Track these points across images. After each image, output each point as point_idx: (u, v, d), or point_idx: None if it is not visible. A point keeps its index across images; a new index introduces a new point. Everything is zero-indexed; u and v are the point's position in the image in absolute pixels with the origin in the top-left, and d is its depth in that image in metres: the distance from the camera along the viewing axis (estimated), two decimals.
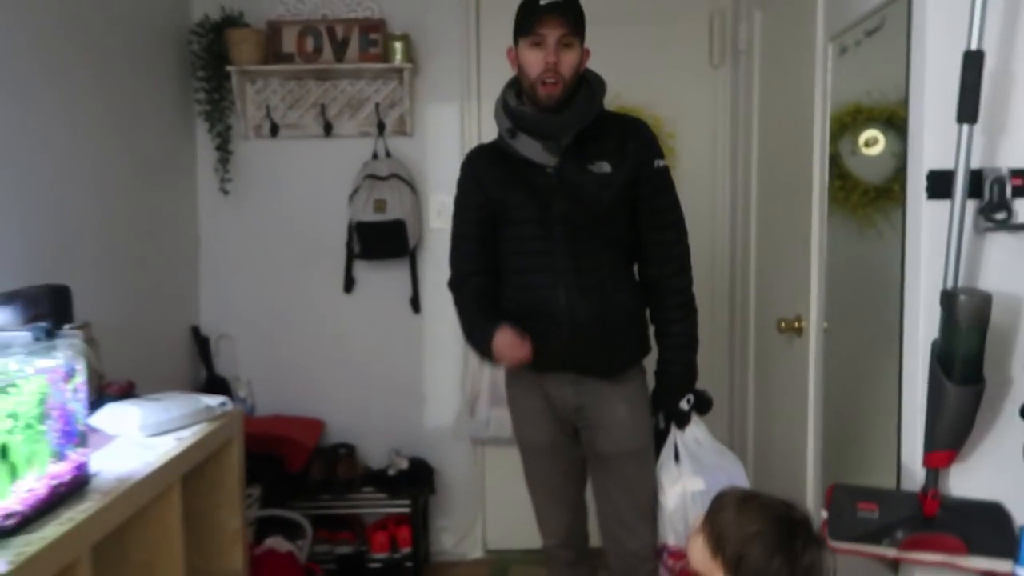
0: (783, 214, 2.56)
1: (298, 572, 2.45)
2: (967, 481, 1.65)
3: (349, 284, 3.03)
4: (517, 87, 1.93)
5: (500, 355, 1.87)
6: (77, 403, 1.34)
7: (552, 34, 1.81)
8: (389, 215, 2.86)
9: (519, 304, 1.92)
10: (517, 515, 3.09)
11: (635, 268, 2.01)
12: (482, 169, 1.99)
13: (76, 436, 1.34)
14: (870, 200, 1.99)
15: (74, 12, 2.21)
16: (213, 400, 1.85)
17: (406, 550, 2.79)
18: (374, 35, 2.92)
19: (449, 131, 3.03)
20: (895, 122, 1.82)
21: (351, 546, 2.81)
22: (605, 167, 1.88)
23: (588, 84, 1.92)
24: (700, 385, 2.01)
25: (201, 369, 2.97)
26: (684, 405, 1.92)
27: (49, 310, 1.61)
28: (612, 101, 2.94)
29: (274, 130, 2.98)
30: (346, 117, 3.00)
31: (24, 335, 1.29)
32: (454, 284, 2.07)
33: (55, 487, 1.28)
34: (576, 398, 1.93)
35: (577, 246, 1.87)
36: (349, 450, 2.90)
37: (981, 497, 1.62)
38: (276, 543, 2.42)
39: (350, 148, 2.98)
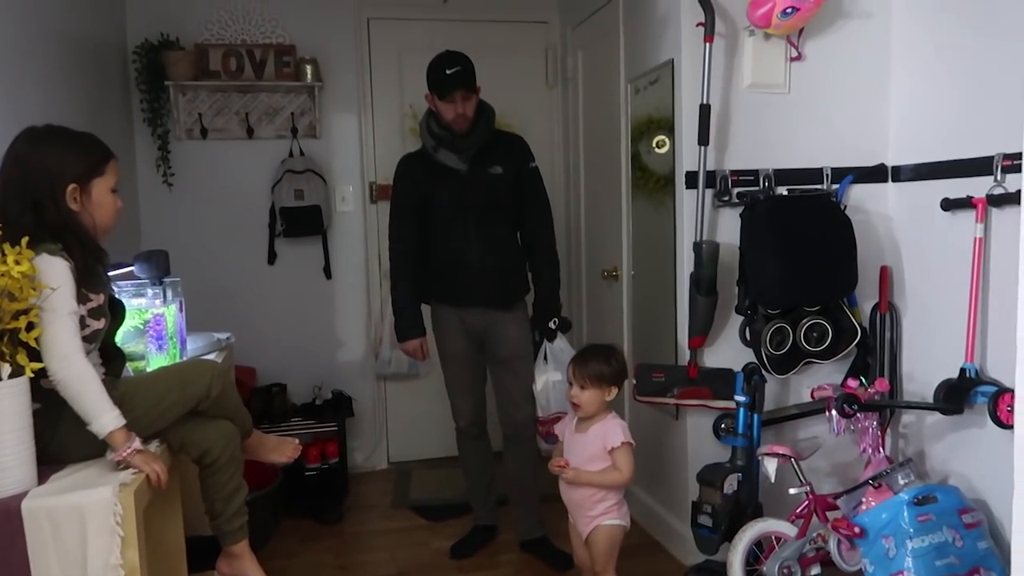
0: (602, 195, 3.51)
1: (264, 468, 3.16)
2: (712, 356, 2.72)
3: (272, 257, 3.74)
4: (435, 117, 2.76)
5: (406, 351, 2.91)
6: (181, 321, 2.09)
7: (457, 94, 2.66)
8: (307, 201, 3.62)
9: (446, 262, 2.78)
10: (413, 433, 4.00)
11: (518, 235, 2.90)
12: (413, 171, 2.83)
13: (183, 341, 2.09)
14: (661, 186, 2.88)
15: (27, 35, 2.44)
16: (222, 335, 2.60)
17: (334, 461, 3.56)
18: (287, 57, 3.62)
19: (349, 134, 3.81)
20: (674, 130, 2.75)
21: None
22: (498, 169, 2.77)
23: (484, 114, 2.78)
24: (562, 313, 2.95)
25: None
26: (552, 325, 2.83)
27: (158, 267, 2.29)
28: None
29: (204, 133, 3.62)
30: (265, 123, 3.70)
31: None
32: (393, 252, 2.87)
33: None
34: (483, 321, 2.82)
35: (481, 221, 2.76)
36: (281, 388, 3.63)
37: (720, 365, 2.67)
38: None
39: (269, 148, 3.69)
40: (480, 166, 2.77)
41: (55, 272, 1.54)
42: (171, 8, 3.54)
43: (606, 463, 2.29)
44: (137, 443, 1.54)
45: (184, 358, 2.22)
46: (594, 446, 2.30)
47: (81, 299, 1.61)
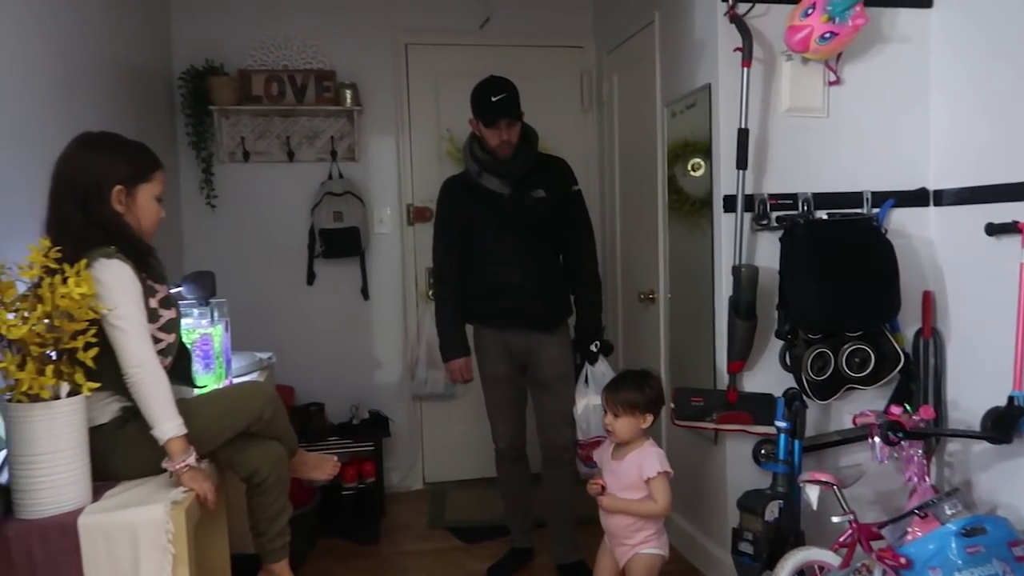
0: (638, 218, 3.53)
1: (302, 488, 3.22)
2: (751, 381, 2.70)
3: (311, 278, 3.80)
4: (478, 142, 2.79)
5: (451, 371, 2.89)
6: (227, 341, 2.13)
7: (502, 122, 2.68)
8: (346, 223, 3.68)
9: (489, 284, 2.79)
10: (449, 454, 4.01)
11: (560, 257, 2.90)
12: (456, 194, 2.86)
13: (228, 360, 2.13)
14: (696, 209, 2.88)
15: (83, 63, 2.53)
16: (264, 355, 2.64)
17: (370, 480, 3.58)
18: (327, 82, 3.70)
19: (387, 157, 3.88)
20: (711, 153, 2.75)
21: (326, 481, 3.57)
22: (540, 192, 2.78)
23: (528, 138, 2.80)
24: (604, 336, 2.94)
25: None
26: (593, 348, 2.84)
27: (204, 287, 2.35)
28: None
29: (246, 156, 3.70)
30: (305, 146, 3.77)
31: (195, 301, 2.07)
32: (437, 274, 2.91)
33: None
34: (525, 343, 2.82)
35: (524, 244, 2.77)
36: (319, 407, 3.66)
37: (760, 390, 2.64)
38: None
39: (309, 171, 3.76)
40: (523, 189, 2.78)
41: (117, 278, 1.58)
42: (216, 35, 3.64)
43: (643, 492, 2.28)
44: (192, 458, 1.57)
45: (229, 378, 2.26)
46: (630, 475, 2.29)
47: (149, 292, 1.65)
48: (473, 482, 3.92)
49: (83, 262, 1.54)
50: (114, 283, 1.58)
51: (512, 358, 2.87)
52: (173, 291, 2.13)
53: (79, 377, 1.48)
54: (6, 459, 1.45)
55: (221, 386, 2.15)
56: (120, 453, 1.60)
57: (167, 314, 1.72)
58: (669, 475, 2.28)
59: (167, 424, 1.56)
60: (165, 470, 1.58)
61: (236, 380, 2.40)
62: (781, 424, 2.49)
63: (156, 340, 1.66)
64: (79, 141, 1.76)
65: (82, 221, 1.64)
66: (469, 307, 2.89)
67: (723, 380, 2.69)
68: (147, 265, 1.71)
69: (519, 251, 2.78)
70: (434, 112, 3.91)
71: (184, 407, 1.66)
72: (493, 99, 2.68)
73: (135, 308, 1.60)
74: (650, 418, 2.31)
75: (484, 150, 2.77)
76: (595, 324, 2.90)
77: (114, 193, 1.68)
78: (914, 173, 2.77)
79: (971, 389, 2.60)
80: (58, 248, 1.55)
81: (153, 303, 1.67)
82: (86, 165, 1.68)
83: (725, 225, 2.67)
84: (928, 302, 2.71)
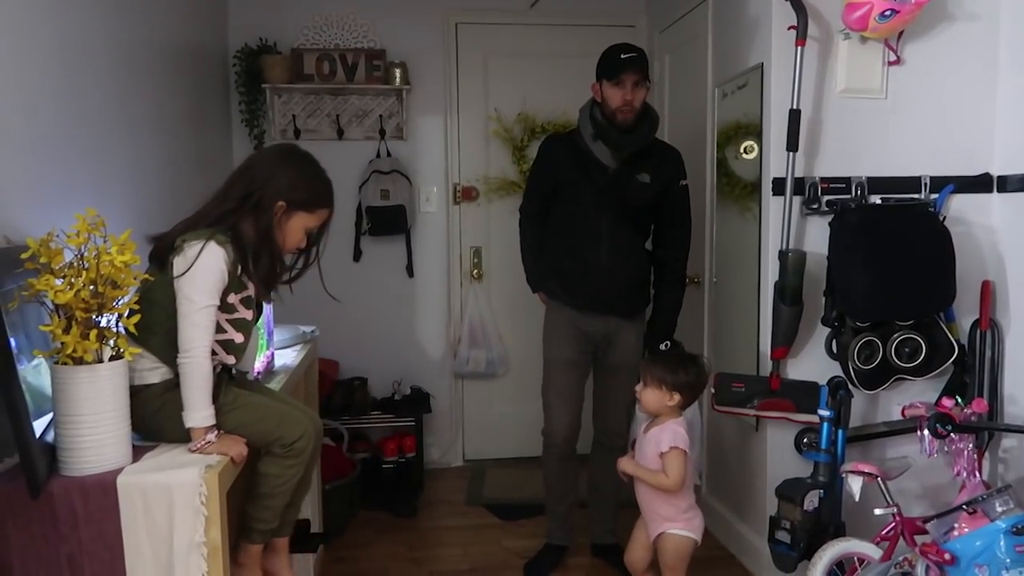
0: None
1: (344, 460, 3.30)
2: (796, 368, 2.64)
3: (357, 255, 3.85)
4: (599, 107, 2.64)
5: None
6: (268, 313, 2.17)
7: (629, 79, 2.56)
8: (393, 201, 3.70)
9: (573, 262, 2.68)
10: (489, 433, 4.03)
11: (647, 246, 2.81)
12: (557, 153, 2.73)
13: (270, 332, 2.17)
14: (747, 193, 2.82)
15: (140, 43, 2.56)
16: (307, 328, 2.68)
17: (411, 455, 3.63)
18: (377, 62, 3.72)
19: (435, 136, 3.89)
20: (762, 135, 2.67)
21: (367, 453, 3.65)
22: (646, 178, 2.65)
23: (649, 117, 2.66)
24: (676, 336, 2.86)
25: None
26: (663, 347, 2.77)
27: None
28: (560, 118, 3.90)
29: (297, 134, 3.75)
30: (354, 124, 3.81)
31: None
32: (525, 221, 2.90)
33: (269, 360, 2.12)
34: (603, 329, 2.72)
35: (616, 226, 2.65)
36: (362, 382, 3.72)
37: (804, 378, 2.58)
38: (326, 441, 3.25)
39: (358, 149, 3.79)
40: (630, 168, 2.66)
41: (209, 261, 1.62)
42: (270, 14, 3.69)
43: (660, 466, 2.27)
44: (213, 435, 1.60)
45: (271, 349, 2.29)
46: (651, 448, 2.29)
47: (237, 288, 1.69)
48: (512, 461, 3.95)
49: (128, 232, 1.58)
50: (204, 263, 1.62)
51: (584, 342, 2.76)
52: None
53: (121, 342, 1.53)
54: (52, 419, 1.51)
55: (283, 385, 2.14)
56: (165, 413, 1.64)
57: (244, 313, 1.73)
58: (683, 452, 2.24)
59: (196, 413, 1.59)
60: None
61: (278, 352, 2.45)
62: (824, 413, 2.43)
63: (221, 330, 1.68)
64: (283, 149, 1.88)
65: (236, 207, 1.71)
66: (545, 281, 2.82)
67: (766, 366, 2.63)
68: (268, 278, 1.75)
69: (611, 231, 2.67)
70: (482, 92, 3.90)
71: (237, 399, 1.69)
72: (623, 56, 2.59)
73: (204, 294, 1.63)
74: (677, 397, 2.27)
75: (603, 114, 2.63)
76: (670, 324, 2.83)
77: (276, 205, 1.73)
78: (977, 158, 2.65)
79: None
80: (195, 220, 1.68)
81: (234, 299, 1.70)
82: (274, 170, 1.76)
83: (774, 209, 2.61)
84: (987, 292, 2.61)
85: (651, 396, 2.28)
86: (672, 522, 2.29)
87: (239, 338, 1.73)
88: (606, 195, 2.66)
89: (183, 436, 1.62)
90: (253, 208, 1.72)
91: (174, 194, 2.77)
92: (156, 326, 1.63)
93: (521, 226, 2.93)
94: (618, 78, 2.58)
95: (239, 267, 1.69)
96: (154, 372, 1.67)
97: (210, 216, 1.71)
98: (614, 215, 2.67)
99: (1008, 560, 2.05)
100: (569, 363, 2.77)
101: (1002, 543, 2.07)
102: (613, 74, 2.59)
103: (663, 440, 2.25)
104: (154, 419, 1.64)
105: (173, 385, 1.65)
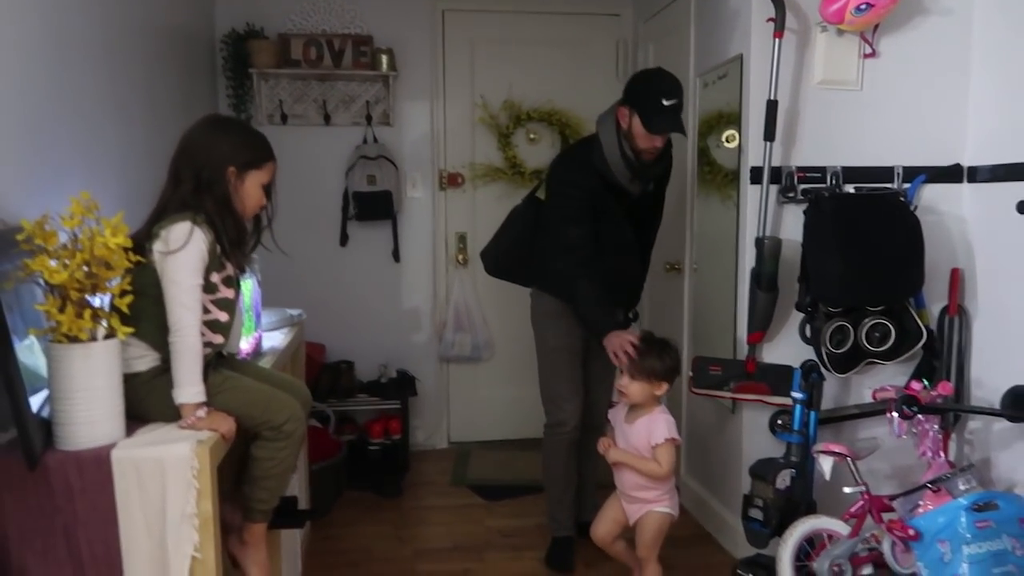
0: (668, 190, 3.56)
1: (330, 441, 3.36)
2: (771, 352, 2.71)
3: (344, 239, 3.88)
4: (626, 139, 2.55)
5: (610, 345, 2.43)
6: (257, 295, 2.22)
7: (665, 136, 2.55)
8: (379, 187, 3.74)
9: (603, 269, 2.62)
10: (474, 415, 4.10)
11: None
12: (592, 183, 2.62)
13: (258, 314, 2.22)
14: (728, 181, 2.88)
15: (128, 26, 2.55)
16: (294, 311, 2.73)
17: (396, 437, 3.69)
18: (364, 47, 3.75)
19: (421, 122, 3.92)
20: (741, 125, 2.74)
21: (354, 435, 3.70)
22: (651, 185, 2.76)
23: (669, 141, 2.65)
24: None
25: None
26: (631, 316, 2.91)
27: None
28: (545, 105, 3.95)
29: (284, 119, 3.78)
30: (341, 110, 3.83)
31: None
32: (577, 258, 2.59)
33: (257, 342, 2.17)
34: None
35: (629, 236, 2.74)
36: (349, 365, 3.77)
37: (779, 362, 2.66)
38: (312, 423, 3.30)
39: (344, 134, 3.82)
40: (644, 185, 2.73)
41: (189, 241, 1.66)
42: None
43: (649, 455, 2.33)
44: (203, 411, 1.65)
45: (259, 331, 2.34)
46: (639, 438, 2.34)
47: (217, 267, 1.74)
48: (496, 443, 4.01)
49: (120, 213, 1.62)
50: (185, 244, 1.66)
51: (579, 327, 2.74)
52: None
53: (114, 322, 1.57)
54: (47, 396, 1.55)
55: (271, 366, 2.17)
56: (154, 399, 1.69)
57: (225, 292, 1.77)
58: (676, 442, 2.32)
59: (186, 389, 1.64)
60: None
61: (266, 334, 2.49)
62: (797, 395, 2.51)
63: (205, 310, 1.72)
64: (209, 120, 1.90)
65: (192, 189, 1.74)
66: (545, 282, 2.81)
67: (743, 350, 2.71)
68: (237, 247, 1.79)
69: (627, 241, 2.77)
70: (468, 78, 3.94)
71: (224, 380, 1.73)
72: (665, 103, 2.45)
73: (193, 272, 1.67)
74: (665, 386, 2.35)
75: (631, 148, 2.56)
76: (638, 295, 2.97)
77: (228, 172, 1.77)
78: (949, 149, 2.73)
79: (996, 368, 2.59)
80: (159, 213, 1.70)
81: (216, 278, 1.74)
82: (212, 142, 1.79)
83: (751, 197, 2.67)
84: (956, 279, 2.69)
85: (639, 389, 2.33)
86: (655, 503, 2.36)
87: (224, 317, 1.78)
88: (626, 210, 2.72)
89: (171, 419, 1.67)
90: (208, 184, 1.76)
91: (163, 177, 2.76)
92: (143, 314, 1.67)
93: (573, 270, 2.60)
94: (657, 130, 2.49)
95: (217, 246, 1.74)
96: (142, 360, 1.71)
97: (172, 204, 1.73)
98: (627, 225, 2.75)
99: (969, 535, 2.14)
100: (573, 350, 2.78)
101: (963, 519, 2.15)
102: (650, 123, 2.47)
103: (656, 432, 2.30)
104: (141, 405, 1.68)
105: (161, 371, 1.70)
